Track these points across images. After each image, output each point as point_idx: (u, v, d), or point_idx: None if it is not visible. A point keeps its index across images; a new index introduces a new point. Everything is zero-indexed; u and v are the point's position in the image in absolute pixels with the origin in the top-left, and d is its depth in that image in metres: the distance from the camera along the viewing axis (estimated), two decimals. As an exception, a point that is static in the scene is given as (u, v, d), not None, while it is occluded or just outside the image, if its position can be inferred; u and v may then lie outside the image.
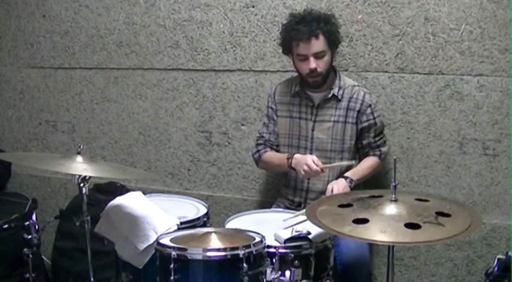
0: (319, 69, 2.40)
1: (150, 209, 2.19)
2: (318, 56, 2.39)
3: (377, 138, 2.54)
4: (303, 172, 2.38)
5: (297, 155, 2.46)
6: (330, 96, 2.49)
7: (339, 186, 2.39)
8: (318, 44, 2.37)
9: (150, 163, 3.27)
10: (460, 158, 2.63)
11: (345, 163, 2.49)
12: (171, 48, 3.10)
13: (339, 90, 2.49)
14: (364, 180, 2.55)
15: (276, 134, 2.62)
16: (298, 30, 2.37)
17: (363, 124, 2.50)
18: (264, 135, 2.64)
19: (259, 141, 2.65)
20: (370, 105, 2.49)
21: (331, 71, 2.51)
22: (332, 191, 2.36)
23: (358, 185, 2.52)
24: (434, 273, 2.75)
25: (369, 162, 2.55)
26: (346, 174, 2.47)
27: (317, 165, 2.34)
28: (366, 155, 2.57)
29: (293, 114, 2.57)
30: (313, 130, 2.53)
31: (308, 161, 2.36)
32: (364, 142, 2.53)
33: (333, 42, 2.43)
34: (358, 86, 2.53)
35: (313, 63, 2.38)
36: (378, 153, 2.56)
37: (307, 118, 2.54)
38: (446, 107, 2.62)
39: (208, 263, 1.85)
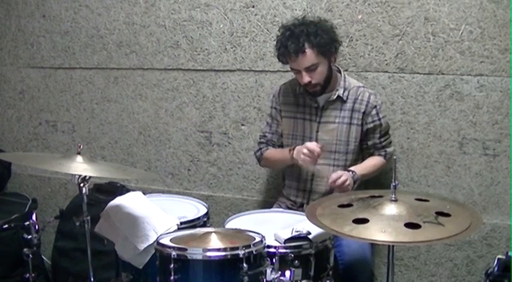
0: (313, 81, 2.38)
1: (150, 209, 2.19)
2: (309, 69, 2.36)
3: (382, 139, 2.53)
4: (302, 156, 2.34)
5: (297, 146, 2.43)
6: (334, 97, 2.48)
7: (340, 173, 2.34)
8: (307, 58, 2.33)
9: (150, 163, 3.27)
10: (460, 158, 2.63)
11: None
12: (171, 48, 3.10)
13: (343, 92, 2.48)
14: (368, 177, 2.53)
15: (279, 134, 2.62)
16: (286, 47, 2.33)
17: (368, 125, 2.49)
18: (267, 134, 2.64)
19: (262, 140, 2.66)
20: (375, 107, 2.48)
21: (336, 73, 2.50)
22: (335, 180, 2.32)
23: (359, 185, 2.52)
24: (434, 273, 2.75)
25: (373, 161, 2.54)
26: (350, 168, 2.45)
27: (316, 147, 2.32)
28: (371, 155, 2.56)
29: (297, 115, 2.56)
30: (317, 131, 2.52)
31: (306, 144, 2.35)
32: (370, 143, 2.53)
33: (326, 52, 2.37)
34: (363, 87, 2.52)
35: (306, 77, 2.36)
36: (383, 153, 2.55)
37: (311, 119, 2.53)
38: (446, 107, 2.62)
39: (208, 263, 1.84)
